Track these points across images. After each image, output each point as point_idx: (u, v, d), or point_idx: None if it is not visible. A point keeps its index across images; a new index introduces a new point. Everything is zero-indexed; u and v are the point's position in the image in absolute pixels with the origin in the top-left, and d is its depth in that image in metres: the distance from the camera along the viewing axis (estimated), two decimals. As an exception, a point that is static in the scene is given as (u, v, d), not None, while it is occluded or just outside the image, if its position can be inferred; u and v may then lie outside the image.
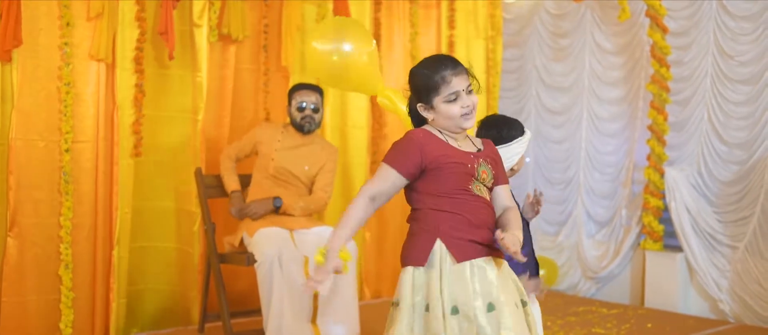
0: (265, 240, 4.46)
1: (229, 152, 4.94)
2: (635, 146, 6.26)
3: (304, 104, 4.83)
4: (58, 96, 4.71)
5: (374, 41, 4.01)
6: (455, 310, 2.61)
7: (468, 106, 2.72)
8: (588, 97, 6.60)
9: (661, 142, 5.95)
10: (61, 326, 4.72)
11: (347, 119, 5.99)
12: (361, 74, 4.03)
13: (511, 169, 3.17)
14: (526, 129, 3.25)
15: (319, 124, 4.93)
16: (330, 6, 5.84)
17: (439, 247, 2.65)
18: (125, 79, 4.93)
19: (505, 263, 2.76)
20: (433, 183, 2.70)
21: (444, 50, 6.61)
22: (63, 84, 4.71)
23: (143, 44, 4.97)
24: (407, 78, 2.83)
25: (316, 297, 4.37)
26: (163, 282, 5.18)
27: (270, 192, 4.76)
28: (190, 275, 5.23)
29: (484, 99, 6.87)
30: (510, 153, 3.15)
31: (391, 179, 2.69)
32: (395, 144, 2.75)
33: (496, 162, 2.84)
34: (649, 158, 6.01)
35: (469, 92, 2.75)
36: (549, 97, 6.91)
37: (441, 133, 2.76)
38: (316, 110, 4.87)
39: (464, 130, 2.77)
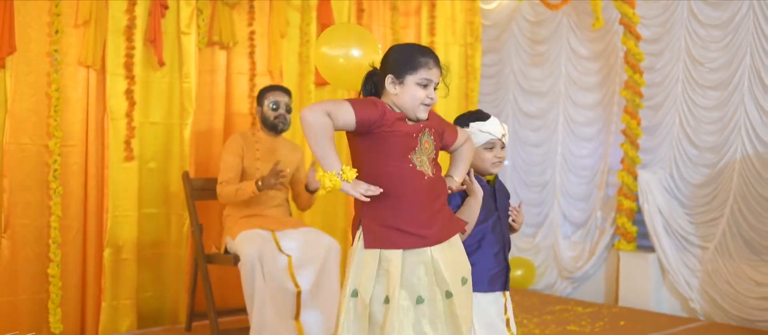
0: (247, 242, 4.56)
1: (226, 180, 4.81)
2: (610, 150, 6.42)
3: (277, 105, 4.94)
4: (49, 101, 4.82)
5: (380, 46, 4.13)
6: (355, 293, 2.75)
7: (431, 99, 2.81)
8: (564, 102, 6.76)
9: (635, 145, 6.11)
10: (51, 323, 4.83)
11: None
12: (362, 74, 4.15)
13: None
14: (474, 123, 3.16)
15: (289, 125, 5.02)
16: (314, 14, 5.97)
17: (359, 231, 2.79)
18: (115, 85, 5.04)
19: (447, 247, 2.81)
20: (380, 148, 2.77)
21: (424, 56, 6.74)
22: (53, 90, 4.82)
23: (133, 51, 5.08)
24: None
25: (299, 294, 4.47)
26: (151, 282, 5.28)
27: (257, 199, 4.83)
28: (178, 275, 5.35)
29: (462, 103, 7.02)
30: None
31: (346, 113, 2.69)
32: (362, 99, 2.82)
33: (440, 126, 2.91)
34: (622, 161, 6.18)
35: (435, 89, 2.85)
36: (526, 101, 7.05)
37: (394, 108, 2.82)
38: (288, 111, 4.98)
39: (418, 119, 2.81)
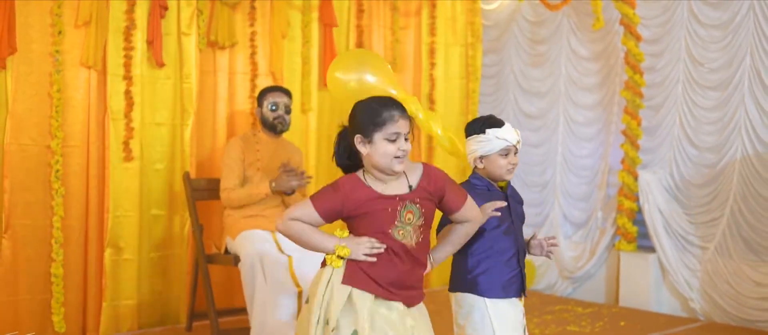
0: (247, 242, 4.58)
1: (231, 186, 4.85)
2: (610, 150, 6.43)
3: (276, 106, 4.96)
4: (50, 102, 4.84)
5: (389, 66, 4.21)
6: (327, 322, 2.76)
7: (403, 151, 2.76)
8: (564, 102, 6.77)
9: (635, 146, 6.12)
10: (55, 323, 4.85)
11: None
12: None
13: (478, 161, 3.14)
14: (490, 129, 3.11)
15: (288, 126, 5.05)
16: (315, 14, 5.99)
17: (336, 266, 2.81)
18: (116, 86, 5.06)
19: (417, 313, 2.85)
20: (358, 227, 2.79)
21: (424, 57, 6.77)
22: (54, 90, 4.84)
23: (132, 52, 5.09)
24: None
25: (299, 295, 4.47)
26: (152, 282, 5.29)
27: (262, 202, 4.85)
28: (179, 275, 5.36)
29: (463, 104, 7.03)
30: (468, 148, 3.18)
31: (310, 214, 2.77)
32: (327, 185, 2.82)
33: (436, 191, 2.85)
34: (623, 162, 6.18)
35: (406, 139, 2.78)
36: (526, 101, 7.06)
37: (368, 177, 2.80)
38: (288, 112, 5.00)
39: (394, 173, 2.78)
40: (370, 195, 2.77)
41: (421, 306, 2.90)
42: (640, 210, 6.10)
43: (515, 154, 3.11)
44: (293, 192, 4.86)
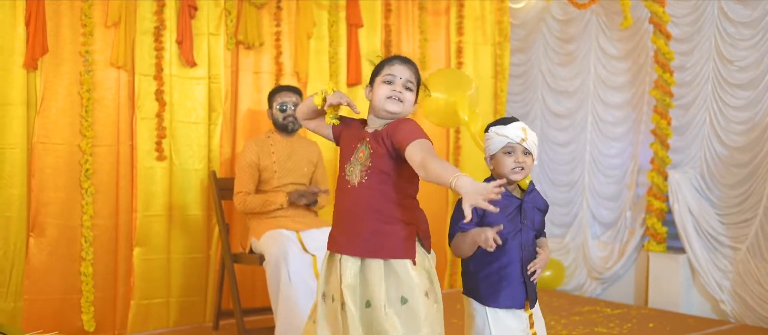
0: (271, 241, 4.60)
1: (246, 190, 4.87)
2: (639, 149, 6.37)
3: (285, 106, 4.98)
4: (80, 102, 4.91)
5: (474, 85, 4.45)
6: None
7: (395, 91, 2.88)
8: (593, 102, 6.72)
9: (665, 145, 6.06)
10: (85, 321, 4.90)
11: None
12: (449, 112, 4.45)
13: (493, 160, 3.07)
14: (493, 127, 3.06)
15: (301, 124, 5.04)
16: (342, 14, 6.01)
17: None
18: (145, 86, 5.11)
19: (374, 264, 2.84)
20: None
21: (452, 56, 6.77)
22: (84, 90, 4.90)
23: (163, 52, 5.14)
24: None
25: (324, 294, 4.49)
26: (180, 281, 5.33)
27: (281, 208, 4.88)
28: (205, 274, 5.40)
29: (491, 103, 7.01)
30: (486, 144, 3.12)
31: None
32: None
33: (388, 134, 2.83)
34: (652, 161, 6.13)
35: (407, 88, 2.91)
36: (554, 101, 7.03)
37: (368, 120, 2.98)
38: None
39: (387, 113, 2.88)
40: (353, 126, 3.00)
41: (404, 268, 2.82)
42: (669, 211, 6.05)
43: (524, 153, 3.00)
44: (313, 203, 4.88)
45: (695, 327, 5.43)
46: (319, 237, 4.68)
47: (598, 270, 6.53)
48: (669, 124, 6.04)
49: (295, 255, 4.49)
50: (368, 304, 2.79)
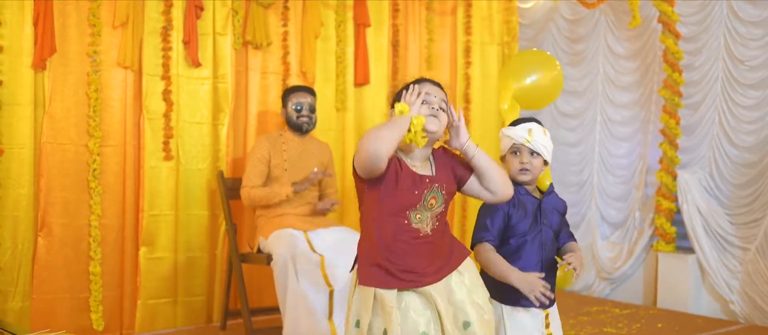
0: (279, 241, 4.60)
1: (251, 184, 4.87)
2: (648, 149, 6.35)
3: (300, 106, 4.98)
4: (88, 102, 4.91)
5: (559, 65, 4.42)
6: (358, 324, 2.69)
7: (435, 109, 2.69)
8: (602, 101, 6.71)
9: (674, 145, 6.04)
10: (93, 321, 4.91)
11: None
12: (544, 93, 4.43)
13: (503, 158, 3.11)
14: (503, 129, 3.11)
15: (315, 125, 5.06)
16: (350, 13, 6.00)
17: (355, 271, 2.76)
18: (152, 86, 5.12)
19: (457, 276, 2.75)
20: (377, 197, 2.67)
21: (460, 56, 6.76)
22: (92, 90, 4.91)
23: (170, 52, 5.15)
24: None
25: (331, 294, 4.48)
26: (188, 280, 5.33)
27: (293, 201, 4.89)
28: (213, 274, 5.40)
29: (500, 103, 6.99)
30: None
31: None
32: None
33: (454, 166, 2.79)
34: (661, 161, 6.11)
35: (440, 109, 2.72)
36: (563, 100, 7.01)
37: (399, 151, 2.71)
38: (312, 110, 5.02)
39: (428, 133, 2.68)
40: (403, 166, 2.67)
41: (466, 263, 2.78)
42: (678, 211, 6.03)
43: (531, 154, 3.00)
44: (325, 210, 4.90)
45: (704, 327, 5.42)
46: (327, 237, 4.68)
47: (607, 270, 6.52)
48: (678, 123, 6.02)
49: (303, 255, 4.49)
50: (466, 325, 2.71)
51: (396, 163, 2.67)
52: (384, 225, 2.66)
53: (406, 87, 2.74)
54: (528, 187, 3.05)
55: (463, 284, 2.75)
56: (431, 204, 2.70)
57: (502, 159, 3.08)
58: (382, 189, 2.65)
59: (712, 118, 5.89)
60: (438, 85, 2.78)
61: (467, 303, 2.71)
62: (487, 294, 2.80)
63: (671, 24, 5.97)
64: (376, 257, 2.67)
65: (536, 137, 3.01)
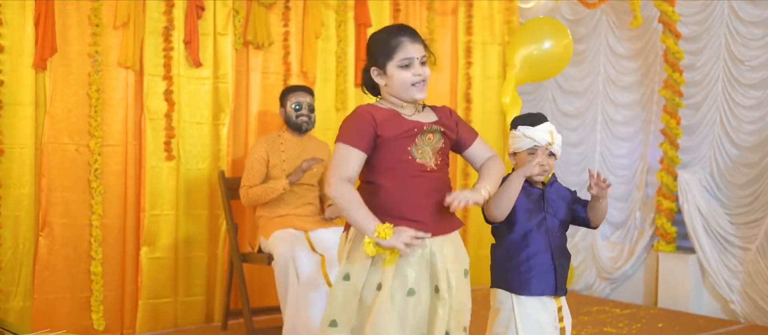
0: (280, 241, 4.61)
1: (250, 184, 4.87)
2: (649, 149, 6.35)
3: (299, 105, 4.99)
4: (89, 102, 4.92)
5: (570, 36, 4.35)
6: (347, 277, 2.75)
7: (420, 75, 2.74)
8: (603, 101, 6.71)
9: (674, 145, 6.04)
10: (94, 320, 4.92)
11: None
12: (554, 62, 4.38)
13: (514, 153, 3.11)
14: (521, 127, 3.09)
15: (314, 124, 5.06)
16: (350, 13, 6.01)
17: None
18: (153, 86, 5.12)
19: (449, 241, 2.79)
20: (377, 154, 2.74)
21: (461, 56, 6.76)
22: (93, 90, 4.91)
23: (171, 52, 5.15)
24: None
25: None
26: (188, 280, 5.34)
27: (286, 199, 4.89)
28: (214, 274, 5.41)
29: (501, 103, 6.97)
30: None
31: (354, 158, 2.70)
32: (346, 122, 2.76)
33: (454, 126, 2.86)
34: (662, 161, 6.11)
35: (423, 63, 2.77)
36: (564, 100, 7.01)
37: (386, 104, 2.80)
38: (311, 110, 5.02)
39: (415, 101, 2.78)
40: (393, 115, 2.75)
41: (454, 234, 2.85)
42: (679, 211, 6.03)
43: (549, 155, 3.02)
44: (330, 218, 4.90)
45: (705, 327, 5.42)
46: (327, 237, 4.69)
47: (608, 270, 6.52)
48: (678, 123, 6.02)
49: (304, 255, 4.49)
50: (466, 273, 2.84)
51: (383, 110, 2.75)
52: (391, 171, 2.72)
53: (385, 45, 2.76)
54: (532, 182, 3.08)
55: (453, 248, 2.82)
56: (430, 138, 2.77)
57: (513, 155, 3.09)
58: (383, 140, 2.71)
59: (713, 118, 5.89)
60: (416, 36, 2.80)
61: (452, 266, 2.78)
62: (468, 261, 2.88)
63: (672, 24, 5.97)
64: (385, 208, 2.70)
65: (557, 139, 3.06)
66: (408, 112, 2.80)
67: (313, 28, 5.81)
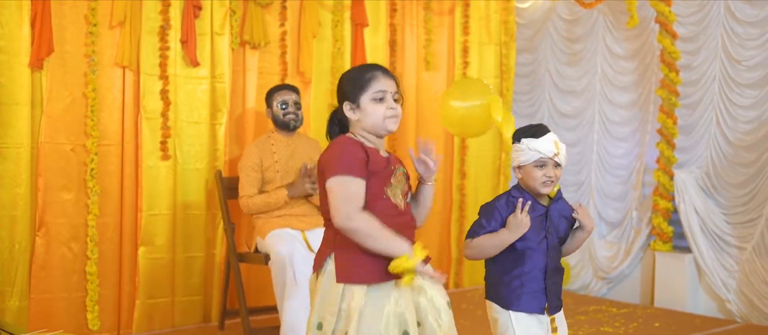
0: (277, 240, 4.61)
1: (248, 194, 4.85)
2: (645, 149, 6.35)
3: (285, 103, 4.98)
4: (85, 101, 4.92)
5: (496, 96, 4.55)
6: (319, 326, 2.70)
7: (393, 109, 2.74)
8: (600, 101, 6.71)
9: (671, 145, 6.05)
10: (89, 320, 4.92)
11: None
12: (478, 120, 4.58)
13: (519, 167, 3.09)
14: (525, 139, 3.06)
15: (301, 121, 5.05)
16: (347, 13, 6.01)
17: (326, 263, 2.73)
18: (150, 85, 5.12)
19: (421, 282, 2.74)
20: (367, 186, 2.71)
21: (457, 56, 6.76)
22: (89, 90, 4.91)
23: (167, 51, 5.15)
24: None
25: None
26: (185, 280, 5.34)
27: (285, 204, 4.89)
28: (211, 273, 5.41)
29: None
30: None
31: (360, 187, 2.65)
32: (336, 154, 2.68)
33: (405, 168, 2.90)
34: (658, 161, 6.12)
35: (396, 100, 2.77)
36: (561, 100, 7.01)
37: (365, 139, 2.76)
38: (298, 107, 5.02)
39: (388, 133, 2.78)
40: (372, 149, 2.74)
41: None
42: (675, 210, 6.04)
43: (555, 166, 3.01)
44: (312, 195, 4.88)
45: (701, 326, 5.43)
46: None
47: (604, 269, 6.52)
48: (675, 123, 6.03)
49: (301, 255, 4.49)
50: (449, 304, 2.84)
51: (363, 146, 2.72)
52: (373, 211, 2.67)
53: (360, 80, 2.77)
54: (536, 195, 3.05)
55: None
56: (399, 179, 2.79)
57: (517, 169, 3.06)
58: (369, 173, 2.68)
59: (710, 118, 5.89)
60: (389, 73, 2.81)
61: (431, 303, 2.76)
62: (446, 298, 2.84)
63: (668, 24, 5.97)
64: (363, 247, 2.65)
65: (561, 149, 3.04)
66: (380, 150, 2.81)
67: (310, 28, 5.82)
